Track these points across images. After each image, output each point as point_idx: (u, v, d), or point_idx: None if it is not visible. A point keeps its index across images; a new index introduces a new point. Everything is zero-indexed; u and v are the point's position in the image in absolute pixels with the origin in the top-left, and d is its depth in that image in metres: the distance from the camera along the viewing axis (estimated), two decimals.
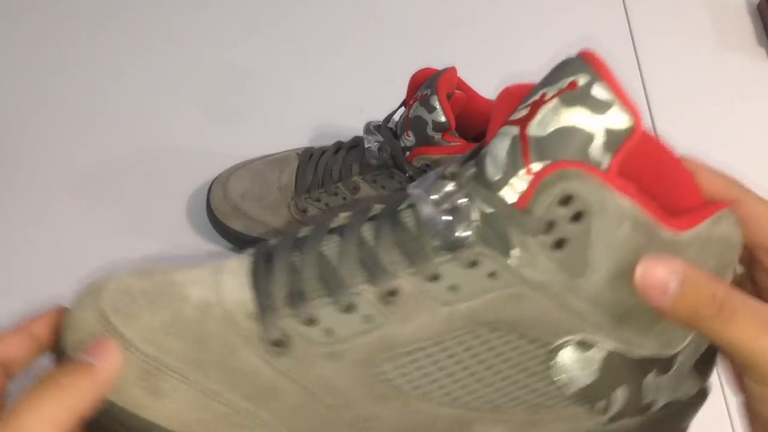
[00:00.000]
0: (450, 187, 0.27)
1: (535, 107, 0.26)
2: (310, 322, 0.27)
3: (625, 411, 0.29)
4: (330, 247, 0.28)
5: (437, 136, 0.48)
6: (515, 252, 0.26)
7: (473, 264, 0.26)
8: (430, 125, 0.48)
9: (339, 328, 0.27)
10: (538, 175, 0.25)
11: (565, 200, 0.25)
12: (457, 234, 0.26)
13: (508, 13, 0.73)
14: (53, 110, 0.65)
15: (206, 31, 0.71)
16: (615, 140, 0.25)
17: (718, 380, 0.54)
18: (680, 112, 0.68)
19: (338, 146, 0.56)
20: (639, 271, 0.25)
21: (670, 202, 0.27)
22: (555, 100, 0.26)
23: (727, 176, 0.30)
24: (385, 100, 0.54)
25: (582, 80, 0.26)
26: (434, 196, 0.27)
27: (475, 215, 0.26)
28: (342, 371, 0.27)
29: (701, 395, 0.30)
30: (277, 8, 0.73)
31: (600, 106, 0.25)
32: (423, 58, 0.54)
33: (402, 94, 0.53)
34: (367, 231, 0.28)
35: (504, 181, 0.26)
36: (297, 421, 0.27)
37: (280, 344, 0.27)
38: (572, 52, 0.28)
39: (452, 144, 0.49)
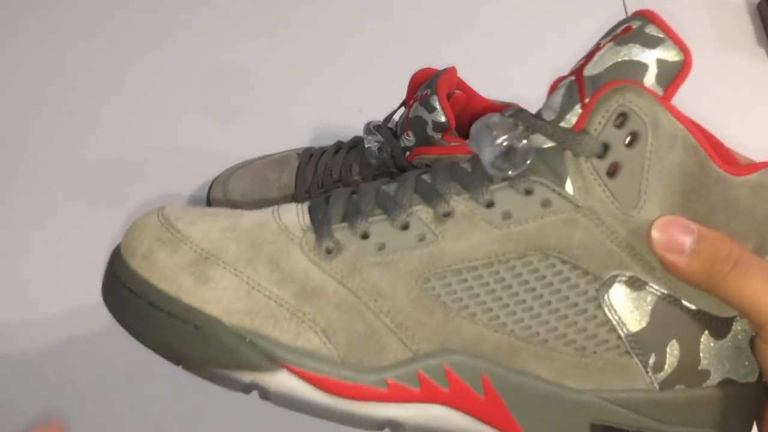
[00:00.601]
0: (508, 125, 0.28)
1: (591, 55, 0.28)
2: (364, 235, 0.28)
3: (679, 374, 0.28)
4: (389, 186, 0.30)
5: (437, 136, 0.48)
6: (569, 182, 0.27)
7: (528, 192, 0.27)
8: (430, 125, 0.48)
9: (391, 242, 0.28)
10: (594, 96, 0.26)
11: (620, 121, 0.26)
12: (512, 172, 0.27)
13: (508, 14, 0.73)
14: (53, 110, 0.65)
15: (207, 32, 0.71)
16: (667, 73, 0.26)
17: None
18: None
19: (338, 146, 0.56)
20: (654, 230, 0.26)
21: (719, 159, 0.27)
22: (610, 44, 0.27)
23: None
24: (385, 100, 0.54)
25: (636, 24, 0.27)
26: (494, 132, 0.28)
27: (531, 151, 0.27)
28: (390, 279, 0.28)
29: (762, 387, 0.29)
30: (278, 8, 0.73)
31: (652, 41, 0.26)
32: (423, 58, 0.54)
33: (402, 94, 0.53)
34: (425, 175, 0.30)
35: (560, 118, 0.27)
36: (338, 320, 0.27)
37: (331, 251, 0.28)
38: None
39: (452, 144, 0.49)
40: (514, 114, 0.29)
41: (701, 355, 0.28)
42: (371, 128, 0.53)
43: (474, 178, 0.28)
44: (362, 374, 0.27)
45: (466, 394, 0.28)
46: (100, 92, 0.66)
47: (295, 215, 0.29)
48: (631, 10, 0.74)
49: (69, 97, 0.66)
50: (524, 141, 0.27)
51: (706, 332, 0.28)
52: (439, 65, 0.50)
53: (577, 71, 0.28)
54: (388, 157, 0.51)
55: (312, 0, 0.74)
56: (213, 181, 0.56)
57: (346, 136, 0.57)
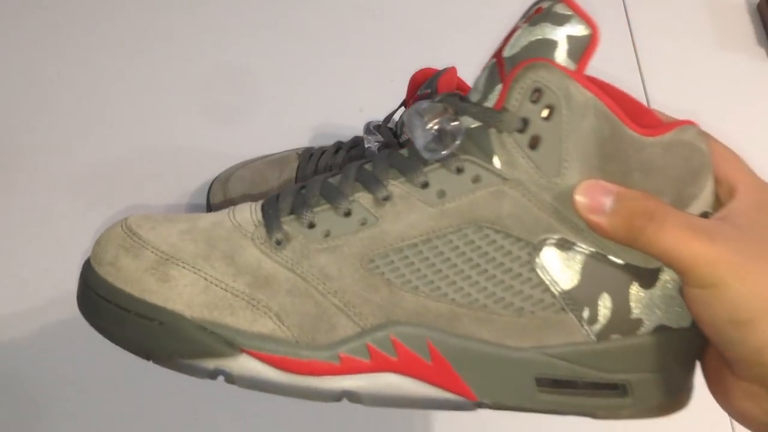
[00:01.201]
0: (438, 107, 0.30)
1: (508, 37, 0.30)
2: (311, 225, 0.31)
3: (613, 324, 0.30)
4: (334, 178, 0.32)
5: None
6: (496, 158, 0.29)
7: (459, 170, 0.29)
8: None
9: (336, 229, 0.30)
10: (510, 74, 0.28)
11: (536, 96, 0.28)
12: (444, 152, 0.29)
13: (508, 14, 0.73)
14: (53, 110, 0.65)
15: (206, 31, 0.71)
16: (577, 47, 0.28)
17: None
18: (680, 112, 0.67)
19: (338, 146, 0.56)
20: (577, 194, 0.28)
21: (634, 120, 0.29)
22: (525, 25, 0.29)
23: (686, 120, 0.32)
24: (385, 100, 0.54)
25: (545, 4, 0.29)
26: (425, 117, 0.30)
27: (461, 132, 0.29)
28: (335, 262, 0.30)
29: (696, 332, 0.31)
30: (277, 8, 0.73)
31: (560, 19, 0.28)
32: (423, 58, 0.54)
33: (402, 94, 0.53)
34: (366, 164, 0.32)
35: (483, 99, 0.30)
36: (290, 304, 0.30)
37: (280, 242, 0.30)
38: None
39: None
40: (442, 99, 0.31)
41: (632, 305, 0.30)
42: (371, 128, 0.53)
43: (410, 162, 0.30)
44: (316, 351, 0.30)
45: (413, 360, 0.30)
46: (100, 92, 0.66)
47: (248, 213, 0.32)
48: (631, 10, 0.74)
49: (69, 97, 0.66)
50: (453, 123, 0.30)
51: (635, 283, 0.30)
52: (439, 65, 0.50)
53: (497, 53, 0.30)
54: None
55: (312, 0, 0.74)
56: (213, 181, 0.56)
57: (346, 136, 0.57)
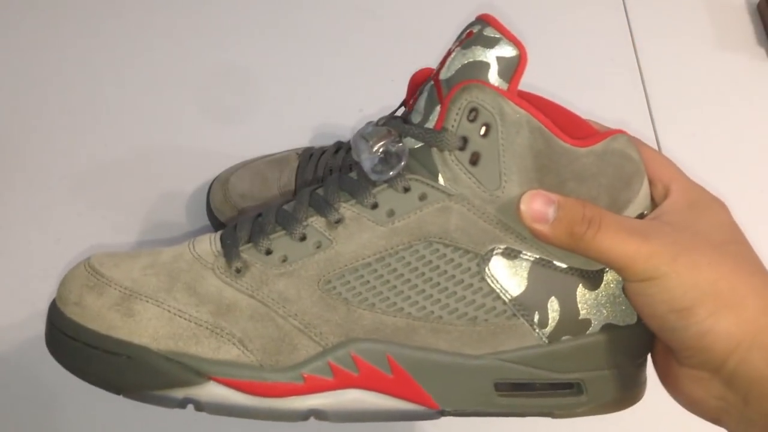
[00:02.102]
0: (382, 131, 0.31)
1: (444, 60, 0.32)
2: (268, 252, 0.32)
3: (562, 326, 0.31)
4: (289, 205, 0.33)
5: None
6: (440, 175, 0.30)
7: (406, 189, 0.31)
8: None
9: (292, 254, 0.31)
10: (447, 96, 0.30)
11: (473, 115, 0.29)
12: (391, 173, 0.31)
13: (508, 14, 0.73)
14: (53, 110, 0.65)
15: (206, 31, 0.71)
16: (507, 67, 0.30)
17: None
18: (680, 112, 0.68)
19: (338, 146, 0.56)
20: (522, 204, 0.30)
21: (568, 134, 0.31)
22: (457, 49, 0.31)
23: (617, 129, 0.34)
24: (385, 100, 0.54)
25: (476, 28, 0.31)
26: (370, 141, 0.31)
27: (405, 153, 0.31)
28: (294, 285, 0.31)
29: (642, 328, 0.32)
30: (277, 8, 0.73)
31: (490, 42, 0.30)
32: (423, 58, 0.54)
33: (402, 94, 0.52)
34: (318, 190, 0.33)
35: (424, 120, 0.31)
36: (251, 328, 0.31)
37: (240, 270, 0.32)
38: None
39: None
40: (386, 122, 0.32)
41: (579, 306, 0.31)
42: None
43: (359, 185, 0.32)
44: (280, 373, 0.31)
45: (375, 375, 0.31)
46: (99, 92, 0.66)
47: (208, 244, 0.33)
48: (631, 10, 0.74)
49: (69, 97, 0.66)
50: (398, 145, 0.31)
51: (580, 285, 0.31)
52: None
53: (435, 76, 0.32)
54: None
55: (312, 0, 0.74)
56: (213, 181, 0.56)
57: (346, 136, 0.57)
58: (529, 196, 0.29)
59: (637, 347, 0.33)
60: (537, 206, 0.29)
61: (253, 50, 0.70)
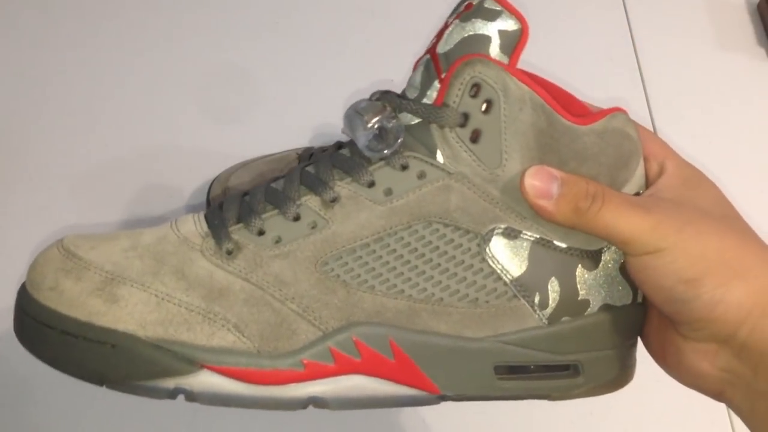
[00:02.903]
0: (377, 107, 0.30)
1: (441, 33, 0.31)
2: (260, 232, 0.30)
3: (562, 307, 0.31)
4: (277, 183, 0.32)
5: None
6: (439, 153, 0.29)
7: (404, 167, 0.30)
8: None
9: (286, 234, 0.30)
10: (449, 71, 0.29)
11: (475, 91, 0.29)
12: (387, 150, 0.30)
13: None
14: (53, 110, 0.65)
15: (206, 31, 0.71)
16: (509, 41, 0.29)
17: None
18: (680, 112, 0.68)
19: (338, 146, 0.56)
20: (525, 181, 0.29)
21: (567, 110, 0.30)
22: (456, 21, 0.30)
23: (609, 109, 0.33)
24: None
25: (475, 0, 0.30)
26: (365, 117, 0.30)
27: (401, 129, 0.30)
28: (290, 267, 0.30)
29: (638, 308, 0.32)
30: (278, 8, 0.73)
31: (491, 14, 0.29)
32: None
33: None
34: (309, 167, 0.32)
35: (422, 95, 0.30)
36: (248, 314, 0.29)
37: (231, 252, 0.30)
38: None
39: None
40: (381, 96, 0.31)
41: (578, 287, 0.31)
42: None
43: (354, 162, 0.30)
44: (278, 360, 0.29)
45: (377, 360, 0.30)
46: (99, 92, 0.66)
47: (192, 225, 0.31)
48: (631, 10, 0.74)
49: (69, 97, 0.66)
50: (393, 121, 0.30)
51: (580, 266, 0.31)
52: None
53: (431, 50, 0.31)
54: None
55: (312, 0, 0.74)
56: (213, 181, 0.56)
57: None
58: (532, 171, 0.29)
59: (632, 327, 0.33)
60: (541, 182, 0.29)
61: (253, 50, 0.70)
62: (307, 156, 0.56)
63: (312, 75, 0.68)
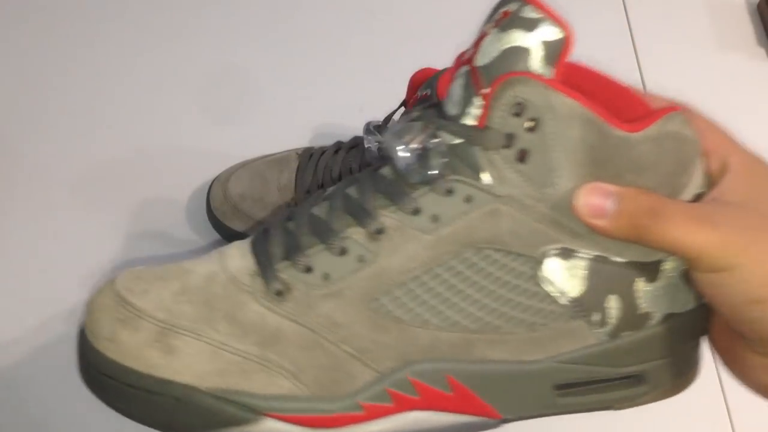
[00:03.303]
0: (417, 128, 0.29)
1: (478, 42, 0.29)
2: (308, 269, 0.29)
3: (623, 323, 0.30)
4: (320, 209, 0.31)
5: None
6: (485, 173, 0.28)
7: (449, 192, 0.28)
8: None
9: (334, 270, 0.29)
10: (489, 91, 0.27)
11: (518, 110, 0.27)
12: (430, 171, 0.28)
13: None
14: (53, 110, 0.65)
15: (206, 32, 0.71)
16: (552, 52, 0.27)
17: (717, 380, 0.54)
18: None
19: (338, 146, 0.56)
20: (578, 201, 0.27)
21: (620, 115, 0.28)
22: (493, 31, 0.28)
23: (669, 99, 0.33)
24: (385, 100, 0.54)
25: (512, 7, 0.28)
26: (405, 139, 0.29)
27: (444, 149, 0.28)
28: (341, 308, 0.29)
29: (702, 309, 0.31)
30: (278, 8, 0.73)
31: (532, 24, 0.27)
32: (423, 58, 0.54)
33: (402, 94, 0.53)
34: (351, 190, 0.31)
35: (463, 113, 0.28)
36: (303, 359, 0.29)
37: (281, 293, 0.29)
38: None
39: None
40: (419, 116, 0.30)
41: (639, 301, 0.30)
42: (371, 128, 0.53)
43: (397, 188, 0.29)
44: (337, 403, 0.29)
45: (435, 395, 0.29)
46: (99, 92, 0.66)
47: (239, 258, 0.30)
48: (631, 10, 0.74)
49: (69, 97, 0.66)
50: (435, 140, 0.29)
51: (640, 279, 0.29)
52: (439, 65, 0.50)
53: (468, 60, 0.29)
54: (387, 158, 0.51)
55: (312, 0, 0.74)
56: (213, 181, 0.56)
57: (346, 136, 0.57)
58: (584, 190, 0.27)
59: (696, 331, 0.32)
60: (595, 200, 0.27)
61: (253, 50, 0.70)
62: (307, 156, 0.56)
63: (312, 75, 0.68)
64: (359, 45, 0.70)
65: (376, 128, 0.53)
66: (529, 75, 0.27)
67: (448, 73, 0.51)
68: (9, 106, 0.65)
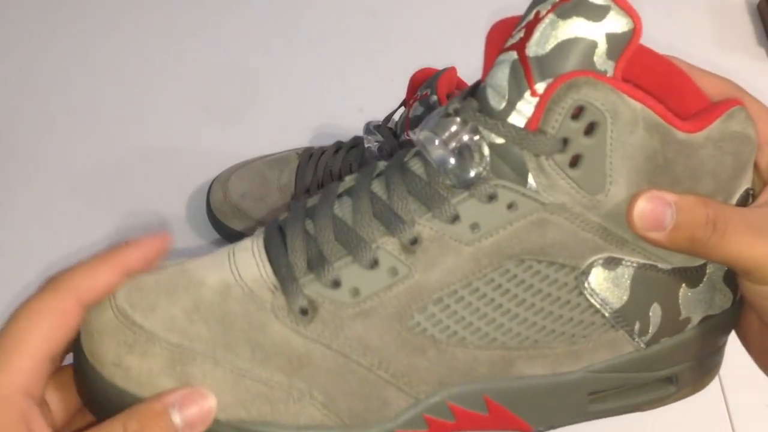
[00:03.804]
0: (456, 124, 0.26)
1: (531, 27, 0.25)
2: (335, 284, 0.26)
3: (663, 330, 0.28)
4: (342, 209, 0.27)
5: None
6: (531, 178, 0.25)
7: (491, 198, 0.25)
8: None
9: (365, 285, 0.26)
10: (546, 92, 0.24)
11: (577, 113, 0.24)
12: (471, 173, 0.25)
13: (508, 14, 0.73)
14: (53, 110, 0.65)
15: (206, 31, 0.71)
16: (617, 45, 0.25)
17: (718, 381, 0.54)
18: None
19: (338, 146, 0.56)
20: (634, 212, 0.25)
21: (676, 108, 0.26)
22: (550, 15, 0.25)
23: (720, 76, 0.31)
24: (385, 100, 0.54)
25: None
26: (442, 136, 0.26)
27: (485, 149, 0.25)
28: (373, 329, 0.26)
29: (736, 307, 0.30)
30: (278, 8, 0.73)
31: (597, 13, 0.24)
32: (423, 58, 0.54)
33: (402, 94, 0.53)
34: (377, 187, 0.27)
35: (510, 109, 0.25)
36: (333, 386, 0.26)
37: (306, 312, 0.26)
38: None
39: None
40: (458, 110, 0.26)
41: (681, 308, 0.28)
42: (371, 128, 0.53)
43: (432, 192, 0.26)
44: (370, 430, 0.27)
45: (471, 418, 0.28)
46: (100, 92, 0.66)
47: (255, 267, 0.27)
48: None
49: (69, 97, 0.66)
50: (475, 137, 0.26)
51: (683, 285, 0.28)
52: (439, 65, 0.50)
53: (519, 46, 0.26)
54: (388, 157, 0.51)
55: (312, 0, 0.74)
56: (213, 181, 0.56)
57: (346, 136, 0.57)
58: (641, 200, 0.25)
59: (729, 329, 0.31)
60: (652, 212, 0.25)
61: (253, 50, 0.70)
62: (307, 156, 0.56)
63: (312, 75, 0.68)
64: (360, 45, 0.70)
65: (376, 128, 0.53)
66: (595, 75, 0.24)
67: (453, 75, 0.51)
68: (9, 106, 0.65)
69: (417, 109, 0.49)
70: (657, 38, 0.80)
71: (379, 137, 0.52)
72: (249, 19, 0.72)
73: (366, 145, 0.52)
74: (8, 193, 0.60)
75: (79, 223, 0.58)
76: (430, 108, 0.48)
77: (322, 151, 0.56)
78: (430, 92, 0.48)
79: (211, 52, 0.69)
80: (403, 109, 0.53)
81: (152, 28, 0.71)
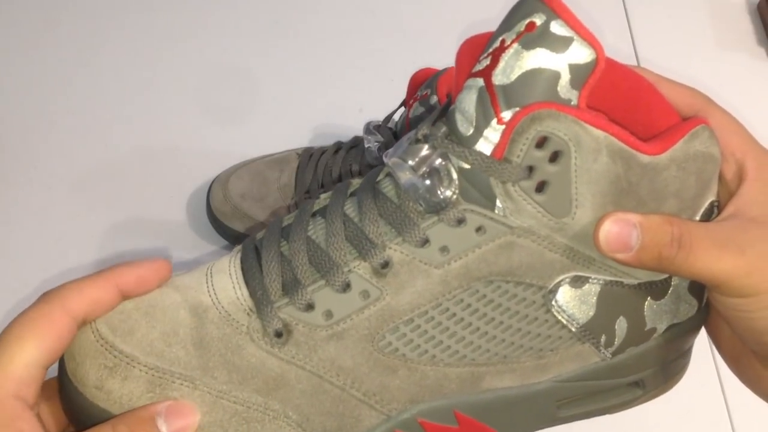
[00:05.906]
0: (425, 150, 0.27)
1: (497, 55, 0.26)
2: (309, 307, 0.27)
3: (628, 341, 0.29)
4: (316, 230, 0.28)
5: None
6: (499, 203, 0.26)
7: (460, 222, 0.26)
8: None
9: (337, 308, 0.27)
10: (510, 122, 0.25)
11: (541, 142, 0.25)
12: (439, 196, 0.26)
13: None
14: (53, 110, 0.65)
15: (206, 31, 0.71)
16: (580, 75, 0.25)
17: (718, 381, 0.54)
18: None
19: (338, 146, 0.56)
20: (600, 235, 0.26)
21: (643, 124, 0.27)
22: (515, 45, 0.25)
23: (688, 87, 0.31)
24: (385, 100, 0.54)
25: (539, 20, 0.25)
26: (411, 162, 0.27)
27: (454, 174, 0.26)
28: (346, 350, 0.27)
29: (701, 314, 0.31)
30: (278, 8, 0.73)
31: (561, 43, 0.25)
32: (423, 58, 0.54)
33: (402, 94, 0.53)
34: (349, 208, 0.28)
35: (477, 135, 0.26)
36: (308, 405, 0.27)
37: (281, 335, 0.27)
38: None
39: None
40: (427, 136, 0.27)
41: (646, 319, 0.29)
42: (371, 128, 0.53)
43: (403, 217, 0.27)
44: None
45: (441, 431, 0.29)
46: (100, 92, 0.66)
47: (231, 289, 0.28)
48: (631, 10, 0.74)
49: (69, 98, 0.66)
50: (442, 162, 0.26)
51: (649, 298, 0.29)
52: (439, 65, 0.50)
53: (485, 73, 0.26)
54: None
55: (312, 0, 0.74)
56: (213, 181, 0.56)
57: (346, 136, 0.57)
58: (606, 223, 0.26)
59: (694, 333, 0.31)
60: (618, 234, 0.26)
61: (253, 50, 0.70)
62: (307, 156, 0.56)
63: (312, 75, 0.68)
64: (359, 45, 0.70)
65: (376, 128, 0.53)
66: (557, 107, 0.25)
67: (453, 75, 0.51)
68: (9, 106, 0.65)
69: (417, 109, 0.49)
70: (657, 38, 0.81)
71: (379, 137, 0.52)
72: (249, 19, 0.72)
73: (366, 145, 0.52)
74: (8, 193, 0.60)
75: (79, 223, 0.58)
76: (430, 108, 0.48)
77: (322, 151, 0.56)
78: (430, 92, 0.48)
79: (211, 52, 0.69)
80: (403, 109, 0.53)
81: (152, 29, 0.71)
